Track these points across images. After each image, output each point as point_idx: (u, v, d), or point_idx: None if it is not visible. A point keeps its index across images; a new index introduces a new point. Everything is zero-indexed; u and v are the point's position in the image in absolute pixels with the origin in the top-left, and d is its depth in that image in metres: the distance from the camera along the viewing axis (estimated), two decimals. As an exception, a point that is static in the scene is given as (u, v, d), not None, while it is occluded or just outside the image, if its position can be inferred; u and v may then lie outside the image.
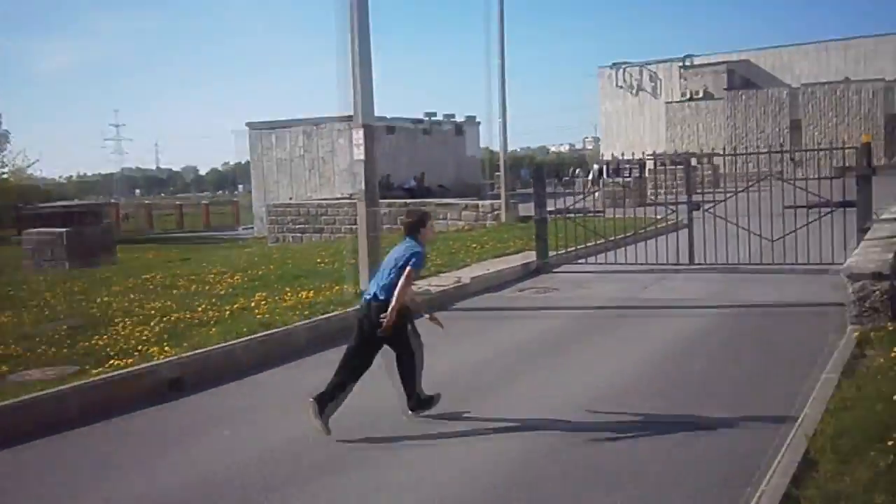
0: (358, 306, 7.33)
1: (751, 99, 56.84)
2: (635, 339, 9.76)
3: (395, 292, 6.52)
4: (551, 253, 15.83)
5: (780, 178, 15.41)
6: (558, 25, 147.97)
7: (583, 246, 16.32)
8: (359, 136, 12.18)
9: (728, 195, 15.55)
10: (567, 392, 7.54)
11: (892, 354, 7.06)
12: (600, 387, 7.64)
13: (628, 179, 29.50)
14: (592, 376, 8.10)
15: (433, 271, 14.30)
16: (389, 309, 6.49)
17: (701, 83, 63.83)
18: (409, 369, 6.85)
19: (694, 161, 36.54)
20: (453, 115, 50.01)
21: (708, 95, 61.51)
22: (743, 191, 14.95)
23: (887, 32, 61.92)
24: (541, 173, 16.69)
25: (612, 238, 16.60)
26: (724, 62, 64.27)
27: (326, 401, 6.51)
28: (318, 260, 17.44)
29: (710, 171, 38.21)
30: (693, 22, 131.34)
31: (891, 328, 8.04)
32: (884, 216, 14.68)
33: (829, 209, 14.10)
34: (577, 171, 35.82)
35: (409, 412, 6.90)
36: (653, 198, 24.44)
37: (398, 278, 6.58)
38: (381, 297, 6.60)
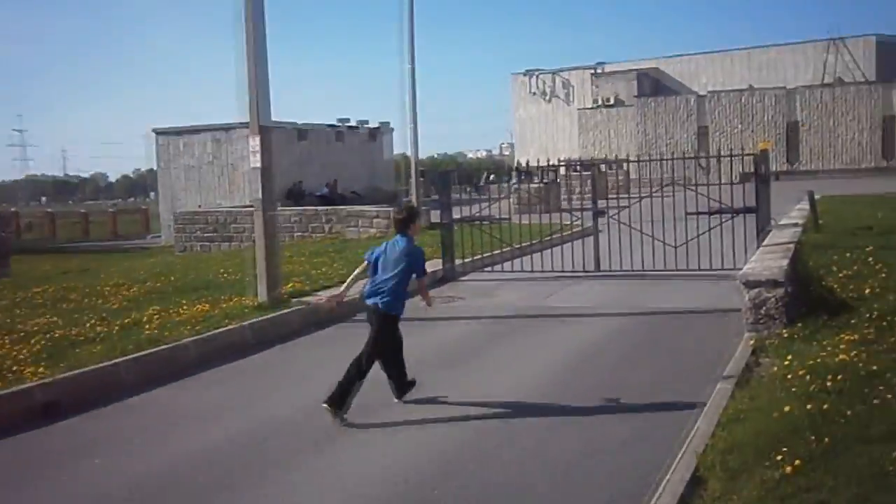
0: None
1: (660, 106, 57.97)
2: (536, 349, 9.62)
3: (423, 295, 7.63)
4: (459, 261, 15.65)
5: (682, 185, 15.52)
6: (476, 32, 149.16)
7: (489, 254, 16.19)
8: (255, 142, 11.78)
9: (633, 201, 15.62)
10: (457, 410, 7.30)
11: (786, 362, 7.03)
12: (494, 401, 7.43)
13: (539, 185, 29.58)
14: (488, 388, 7.88)
15: (335, 282, 13.97)
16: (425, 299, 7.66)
17: (612, 90, 64.89)
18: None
19: (605, 167, 37.08)
20: (367, 121, 49.60)
21: (619, 102, 62.59)
22: (647, 197, 15.00)
23: (788, 42, 64.11)
24: (445, 178, 16.51)
25: (520, 245, 16.54)
26: (634, 69, 65.51)
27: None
28: (222, 270, 16.88)
29: (621, 177, 38.67)
30: (604, 29, 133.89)
31: (786, 335, 8.05)
32: (782, 222, 14.94)
33: (730, 215, 14.25)
34: (492, 176, 35.90)
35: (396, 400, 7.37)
36: (565, 203, 24.53)
37: (403, 280, 7.10)
38: (387, 300, 7.06)
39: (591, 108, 64.29)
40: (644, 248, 14.49)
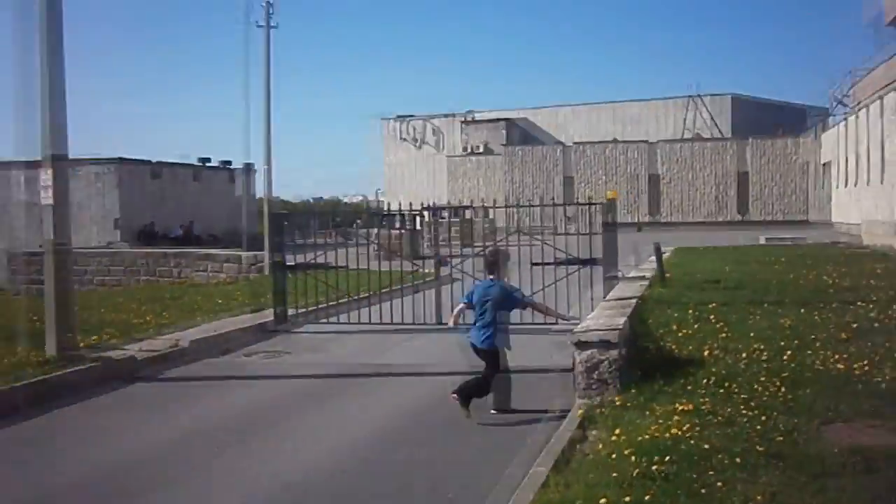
0: None
1: (527, 155, 58.49)
2: (353, 415, 8.53)
3: (545, 312, 8.75)
4: (294, 310, 14.44)
5: (532, 233, 14.82)
6: (351, 77, 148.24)
7: (332, 303, 15.04)
8: (47, 176, 10.36)
9: (477, 250, 14.80)
10: (246, 489, 6.15)
11: (614, 437, 6.20)
12: (289, 480, 6.29)
13: (400, 231, 28.64)
14: (283, 466, 6.74)
15: (152, 333, 12.56)
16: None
17: (482, 138, 65.25)
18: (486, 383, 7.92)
19: (472, 213, 36.59)
20: (230, 162, 47.89)
21: (488, 150, 62.90)
22: (490, 246, 14.18)
23: (650, 98, 66.11)
24: (279, 222, 15.33)
25: (366, 294, 15.45)
26: (503, 119, 66.11)
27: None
28: (35, 316, 15.09)
29: (487, 225, 38.22)
30: (474, 77, 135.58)
31: (619, 402, 7.24)
32: (631, 274, 14.44)
33: (577, 266, 13.59)
34: (358, 221, 34.81)
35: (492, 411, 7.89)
36: (428, 250, 23.70)
37: (495, 315, 7.91)
38: (488, 343, 7.96)
39: (461, 156, 64.37)
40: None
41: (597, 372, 7.60)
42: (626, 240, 36.08)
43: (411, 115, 73.50)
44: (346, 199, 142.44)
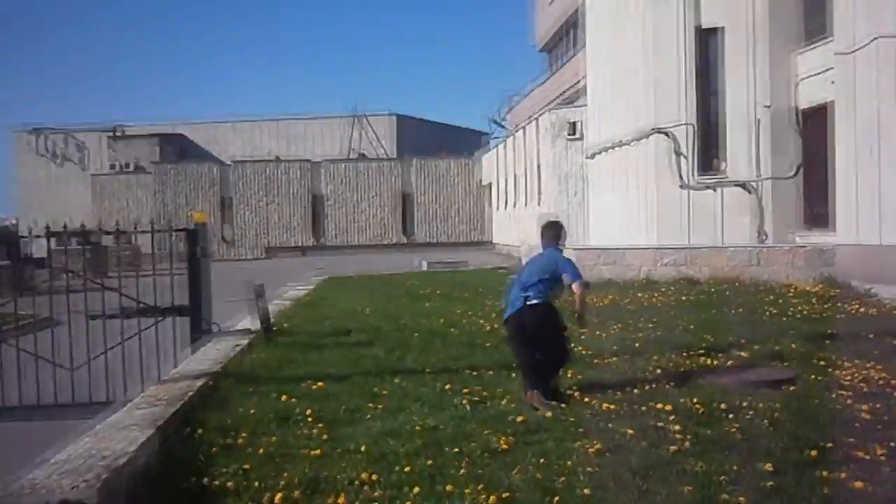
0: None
1: (180, 174, 53.15)
2: None
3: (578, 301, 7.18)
4: None
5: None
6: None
7: None
8: None
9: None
10: None
11: None
12: None
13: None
14: None
15: None
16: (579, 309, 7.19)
17: (132, 154, 58.75)
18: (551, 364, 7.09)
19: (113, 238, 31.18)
20: None
21: (140, 168, 56.67)
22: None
23: (315, 116, 63.49)
24: None
25: None
26: (157, 134, 60.05)
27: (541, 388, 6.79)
28: None
29: (127, 251, 32.80)
30: (125, 89, 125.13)
31: None
32: (240, 325, 10.81)
33: (156, 317, 9.67)
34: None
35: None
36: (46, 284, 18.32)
37: (553, 285, 7.16)
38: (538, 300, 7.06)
39: (108, 175, 57.49)
40: (41, 371, 9.29)
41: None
42: (284, 266, 31.87)
43: (50, 128, 64.87)
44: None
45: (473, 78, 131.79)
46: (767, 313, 11.73)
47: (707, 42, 18.50)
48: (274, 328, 10.39)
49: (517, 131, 39.18)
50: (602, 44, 22.78)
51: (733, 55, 18.01)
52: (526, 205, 36.48)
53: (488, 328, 10.83)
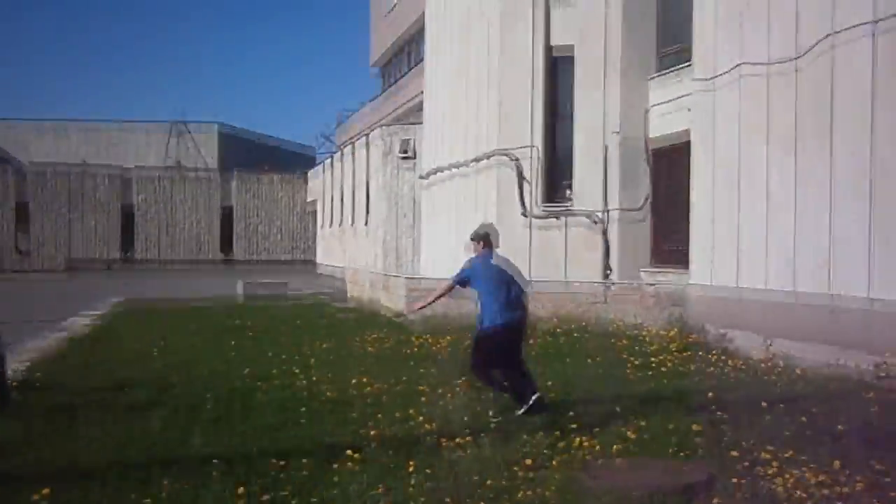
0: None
1: (-36, 175, 47.73)
2: None
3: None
4: None
5: None
6: None
7: None
8: None
9: None
10: None
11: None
12: None
13: None
14: None
15: None
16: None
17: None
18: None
19: None
20: None
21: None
22: None
23: (131, 120, 59.20)
24: None
25: None
26: (-54, 130, 54.05)
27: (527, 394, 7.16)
28: None
29: None
30: None
31: None
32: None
33: None
34: None
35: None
36: None
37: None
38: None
39: None
40: None
41: None
42: (79, 286, 28.27)
43: None
44: None
45: (309, 96, 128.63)
46: (630, 365, 10.24)
47: (560, 63, 17.15)
48: (13, 384, 7.81)
49: (345, 147, 37.20)
50: (442, 60, 21.19)
51: (587, 78, 16.71)
52: (353, 224, 34.50)
53: (304, 383, 8.69)
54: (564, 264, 17.06)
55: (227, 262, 47.94)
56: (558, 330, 13.87)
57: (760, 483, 5.21)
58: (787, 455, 5.78)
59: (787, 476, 5.26)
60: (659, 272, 16.21)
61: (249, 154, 56.52)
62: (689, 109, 14.79)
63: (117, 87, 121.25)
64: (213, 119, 59.57)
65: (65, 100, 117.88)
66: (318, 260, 44.47)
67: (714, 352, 11.42)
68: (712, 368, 10.16)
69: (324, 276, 38.89)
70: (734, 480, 5.27)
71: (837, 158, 11.19)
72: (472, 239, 7.97)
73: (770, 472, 5.38)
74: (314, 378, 8.85)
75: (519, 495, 5.01)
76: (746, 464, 5.64)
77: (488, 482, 5.21)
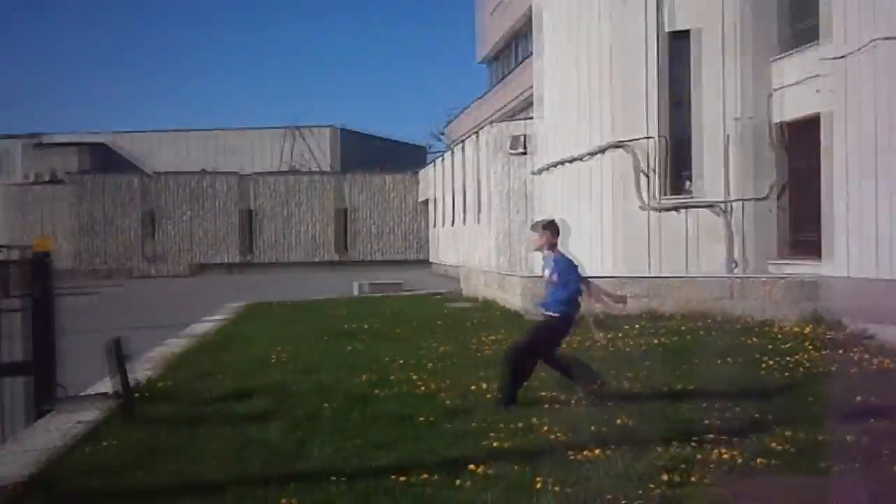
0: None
1: (99, 185, 49.83)
2: None
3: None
4: None
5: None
6: None
7: None
8: None
9: None
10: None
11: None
12: None
13: None
14: None
15: None
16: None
17: (51, 165, 55.11)
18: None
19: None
20: None
21: (59, 179, 53.08)
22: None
23: (248, 127, 60.68)
24: None
25: None
26: (78, 143, 56.53)
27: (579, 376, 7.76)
28: None
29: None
30: (49, 97, 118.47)
31: None
32: (96, 389, 8.29)
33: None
34: None
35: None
36: None
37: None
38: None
39: (24, 185, 53.76)
40: None
41: None
42: (204, 287, 28.96)
43: (-39, 136, 60.78)
44: None
45: (420, 94, 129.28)
46: (764, 365, 9.62)
47: (677, 47, 16.44)
48: (136, 395, 7.84)
49: (457, 145, 37.05)
50: (556, 50, 20.69)
51: (707, 62, 15.95)
52: (465, 223, 34.33)
53: (423, 389, 8.47)
54: (686, 258, 16.38)
55: (343, 263, 48.54)
56: (683, 327, 13.26)
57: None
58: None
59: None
60: (788, 264, 15.35)
61: (363, 154, 57.12)
62: (818, 91, 13.91)
63: (233, 94, 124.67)
64: (326, 122, 60.52)
65: (185, 109, 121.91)
66: (432, 259, 44.53)
67: (856, 349, 10.65)
68: (856, 369, 9.43)
69: (437, 274, 38.91)
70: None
71: None
72: (543, 227, 7.97)
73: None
74: (433, 386, 8.61)
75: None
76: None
77: (622, 502, 4.83)
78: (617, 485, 5.18)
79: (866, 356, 10.07)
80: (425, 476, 5.43)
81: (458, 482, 5.35)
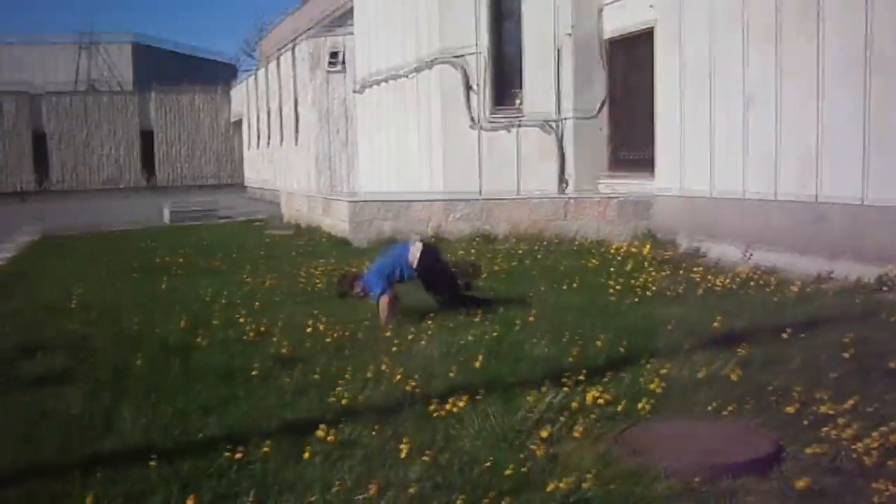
0: None
1: None
2: None
3: None
4: None
5: None
6: None
7: None
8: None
9: None
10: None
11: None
12: None
13: None
14: None
15: None
16: None
17: None
18: None
19: None
20: None
21: None
22: None
23: (33, 39, 55.28)
24: None
25: None
26: None
27: None
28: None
29: None
30: None
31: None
32: None
33: None
34: None
35: None
36: None
37: None
38: None
39: None
40: None
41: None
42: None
43: None
44: None
45: (228, 4, 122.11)
46: (612, 290, 9.22)
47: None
48: None
49: (270, 62, 35.09)
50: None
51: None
52: (282, 144, 32.75)
53: (252, 334, 7.45)
54: (518, 177, 15.94)
55: (150, 188, 45.66)
56: (520, 250, 12.80)
57: (841, 452, 4.22)
58: (849, 405, 4.82)
59: (869, 440, 4.28)
60: (619, 182, 15.19)
61: (167, 71, 53.41)
62: (652, 6, 13.56)
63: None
64: (126, 34, 56.07)
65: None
66: (247, 182, 42.58)
67: (695, 268, 10.50)
68: (701, 290, 9.21)
69: (253, 198, 37.19)
70: (804, 448, 4.28)
71: (827, 48, 10.13)
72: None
73: (846, 434, 4.39)
74: (262, 328, 7.61)
75: (550, 487, 3.92)
76: (808, 423, 4.66)
77: (506, 472, 4.11)
78: (493, 448, 4.47)
79: (708, 276, 9.90)
80: (265, 450, 4.51)
81: (305, 454, 4.47)
